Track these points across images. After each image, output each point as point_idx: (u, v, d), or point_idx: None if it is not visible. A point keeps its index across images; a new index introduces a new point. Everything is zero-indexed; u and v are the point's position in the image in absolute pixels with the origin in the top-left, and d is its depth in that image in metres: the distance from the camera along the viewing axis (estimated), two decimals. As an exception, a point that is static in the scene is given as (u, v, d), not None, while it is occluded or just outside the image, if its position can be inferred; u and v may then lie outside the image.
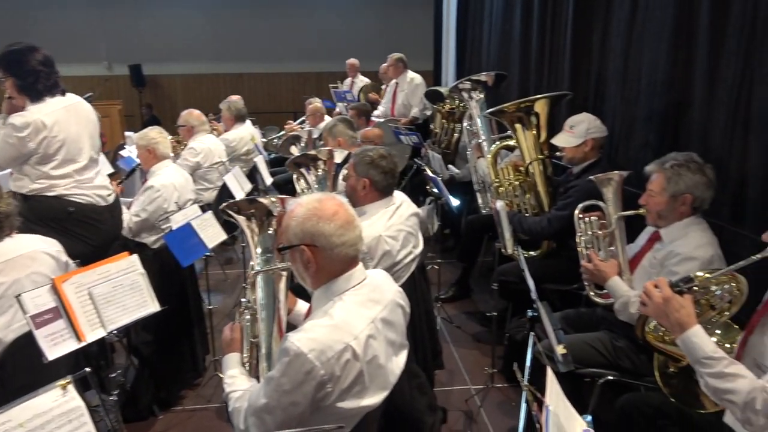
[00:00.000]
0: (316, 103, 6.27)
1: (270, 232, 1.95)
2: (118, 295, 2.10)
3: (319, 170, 3.18)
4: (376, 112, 6.47)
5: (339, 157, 3.24)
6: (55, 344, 1.87)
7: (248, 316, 1.90)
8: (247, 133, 5.59)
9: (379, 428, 1.75)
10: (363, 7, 10.66)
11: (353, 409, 1.51)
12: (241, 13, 10.43)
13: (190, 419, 3.02)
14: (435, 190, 3.86)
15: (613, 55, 3.51)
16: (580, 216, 2.52)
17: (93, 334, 1.98)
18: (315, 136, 5.22)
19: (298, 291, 2.04)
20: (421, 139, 5.08)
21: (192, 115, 4.80)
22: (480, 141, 3.82)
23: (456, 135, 5.14)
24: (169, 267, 3.02)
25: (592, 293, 2.49)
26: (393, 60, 6.32)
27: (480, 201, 3.87)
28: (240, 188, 4.25)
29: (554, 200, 3.24)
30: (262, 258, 1.93)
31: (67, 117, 2.81)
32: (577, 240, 2.52)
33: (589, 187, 2.66)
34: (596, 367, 2.38)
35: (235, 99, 5.68)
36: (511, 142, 3.50)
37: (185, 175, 3.71)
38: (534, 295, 2.02)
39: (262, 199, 1.99)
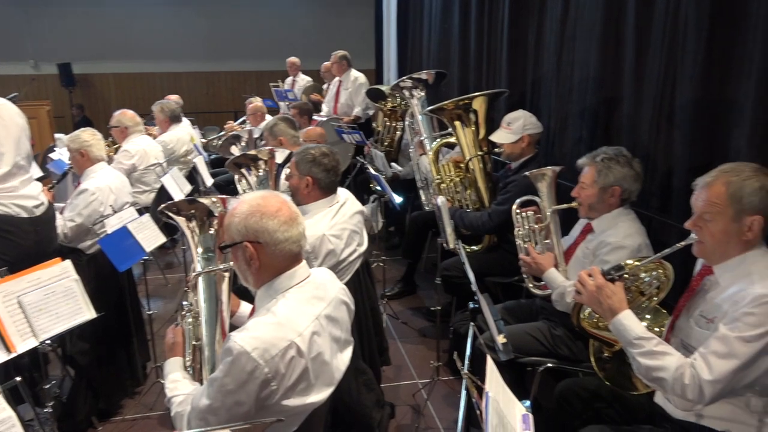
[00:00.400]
0: (256, 102, 6.18)
1: (211, 232, 1.92)
2: (51, 303, 2.02)
3: (261, 170, 3.14)
4: (321, 112, 6.44)
5: (280, 156, 3.21)
6: (-18, 356, 1.78)
7: (190, 319, 1.86)
8: (184, 133, 5.45)
9: (328, 426, 1.76)
10: (303, 5, 10.57)
11: (299, 407, 1.50)
12: (177, 9, 10.14)
13: (132, 429, 2.93)
14: (378, 188, 3.89)
15: (547, 55, 3.63)
16: (518, 211, 2.60)
17: (24, 344, 1.90)
18: (256, 135, 5.14)
19: (241, 293, 2.02)
20: (363, 137, 5.10)
21: (125, 116, 4.63)
22: (422, 138, 3.87)
23: (398, 133, 5.19)
24: (105, 272, 2.92)
25: (530, 285, 2.57)
26: (337, 57, 6.30)
27: (423, 198, 3.92)
28: (179, 190, 4.15)
29: (494, 195, 3.33)
30: (204, 258, 1.90)
31: None
32: (515, 234, 2.60)
33: (526, 182, 2.74)
34: (536, 355, 2.46)
35: (173, 99, 5.53)
36: (452, 139, 3.57)
37: (121, 177, 3.57)
38: (474, 287, 2.07)
39: (202, 199, 1.95)
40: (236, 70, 10.69)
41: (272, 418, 1.39)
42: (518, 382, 2.52)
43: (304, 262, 1.64)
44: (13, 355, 1.85)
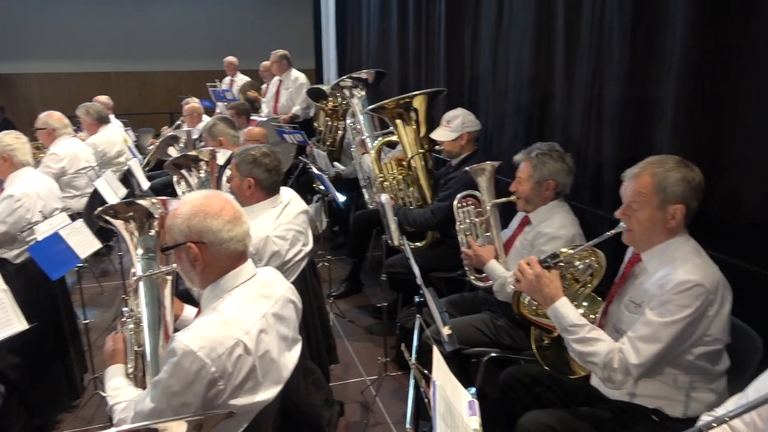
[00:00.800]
0: (193, 102, 6.03)
1: (152, 233, 1.87)
2: (-22, 315, 1.92)
3: (202, 171, 3.08)
4: (261, 112, 6.35)
5: (222, 158, 3.16)
6: None
7: (131, 325, 1.81)
8: (114, 134, 5.26)
9: (277, 426, 1.75)
10: (240, 4, 10.38)
11: (247, 405, 1.49)
12: (102, 6, 9.72)
13: (70, 443, 2.81)
14: (322, 188, 3.88)
15: (483, 55, 3.74)
16: (459, 205, 2.67)
17: (-51, 359, 1.79)
18: (195, 136, 5.02)
19: (184, 296, 1.98)
20: (305, 137, 5.07)
21: (52, 117, 4.40)
22: (363, 137, 3.90)
23: (340, 132, 5.19)
24: (36, 281, 2.78)
25: (472, 277, 2.65)
26: (277, 57, 6.22)
27: (366, 196, 3.95)
28: (113, 194, 4.00)
29: (436, 192, 3.39)
30: (144, 259, 1.85)
31: None
32: (457, 228, 2.68)
33: (466, 177, 2.81)
34: (480, 346, 2.53)
35: (103, 100, 5.32)
36: (393, 138, 3.61)
37: (50, 181, 3.41)
38: (419, 281, 2.11)
39: (141, 201, 1.90)
40: (171, 70, 10.37)
41: (223, 410, 1.37)
42: (464, 373, 2.58)
43: (249, 260, 1.63)
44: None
